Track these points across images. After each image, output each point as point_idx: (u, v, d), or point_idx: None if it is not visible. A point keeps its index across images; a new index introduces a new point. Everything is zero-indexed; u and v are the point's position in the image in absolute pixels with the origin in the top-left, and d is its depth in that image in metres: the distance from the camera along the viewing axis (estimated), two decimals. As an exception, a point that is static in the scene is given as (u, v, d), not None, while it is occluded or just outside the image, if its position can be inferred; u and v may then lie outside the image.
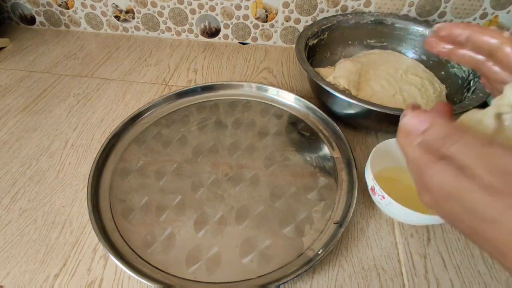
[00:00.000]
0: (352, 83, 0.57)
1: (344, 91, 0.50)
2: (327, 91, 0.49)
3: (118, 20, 0.82)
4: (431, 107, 0.48)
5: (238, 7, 0.74)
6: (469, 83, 0.55)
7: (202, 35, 0.81)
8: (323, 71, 0.58)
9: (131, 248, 0.41)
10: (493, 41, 0.25)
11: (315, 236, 0.42)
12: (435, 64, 0.62)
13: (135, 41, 0.82)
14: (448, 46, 0.28)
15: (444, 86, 0.60)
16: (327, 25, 0.64)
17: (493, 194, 0.18)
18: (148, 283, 0.37)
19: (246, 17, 0.76)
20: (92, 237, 0.43)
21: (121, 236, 0.43)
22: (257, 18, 0.76)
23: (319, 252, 0.40)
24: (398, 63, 0.63)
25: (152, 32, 0.83)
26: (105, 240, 0.41)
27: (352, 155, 0.49)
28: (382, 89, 0.57)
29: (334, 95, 0.49)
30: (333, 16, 0.65)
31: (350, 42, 0.68)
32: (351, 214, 0.43)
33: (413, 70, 0.61)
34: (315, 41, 0.63)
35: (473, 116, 0.23)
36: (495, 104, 0.23)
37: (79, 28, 0.86)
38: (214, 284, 0.38)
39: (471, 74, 0.55)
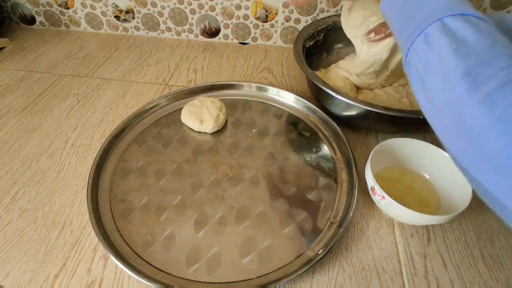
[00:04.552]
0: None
1: (342, 92, 0.50)
2: (326, 93, 0.49)
3: (118, 20, 0.82)
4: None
5: (238, 7, 0.74)
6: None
7: (202, 35, 0.81)
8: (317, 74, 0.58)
9: (131, 248, 0.41)
10: None
11: (315, 236, 0.42)
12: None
13: (135, 41, 0.82)
14: None
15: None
16: (323, 26, 0.64)
17: None
18: (148, 283, 0.37)
19: (246, 17, 0.76)
20: (92, 237, 0.43)
21: (121, 236, 0.43)
22: (257, 18, 0.76)
23: (319, 252, 0.40)
24: None
25: (152, 32, 0.83)
26: (105, 240, 0.41)
27: (352, 155, 0.49)
28: (386, 94, 0.57)
29: (333, 97, 0.48)
30: (328, 17, 0.65)
31: (345, 43, 0.68)
32: (351, 214, 0.43)
33: None
34: (311, 43, 0.63)
35: None
36: None
37: (79, 28, 0.86)
38: (214, 284, 0.38)
39: None
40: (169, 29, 0.82)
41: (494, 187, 0.22)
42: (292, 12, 0.73)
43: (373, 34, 0.49)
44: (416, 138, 0.46)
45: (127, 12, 0.80)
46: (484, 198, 0.24)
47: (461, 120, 0.22)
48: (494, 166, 0.21)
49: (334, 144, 0.53)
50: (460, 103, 0.22)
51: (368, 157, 0.44)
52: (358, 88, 0.59)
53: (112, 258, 0.39)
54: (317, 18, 0.73)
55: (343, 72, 0.58)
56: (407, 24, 0.27)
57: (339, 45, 0.68)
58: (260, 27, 0.78)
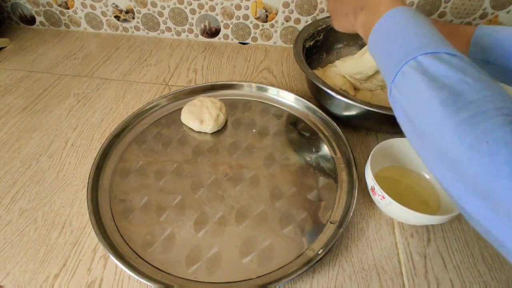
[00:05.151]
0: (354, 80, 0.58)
1: (342, 92, 0.50)
2: (326, 92, 0.49)
3: (118, 20, 0.82)
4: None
5: (238, 7, 0.74)
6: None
7: (202, 35, 0.81)
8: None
9: (131, 248, 0.41)
10: None
11: (315, 236, 0.42)
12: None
13: (135, 41, 0.82)
14: None
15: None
16: (323, 26, 0.64)
17: None
18: (148, 283, 0.37)
19: (246, 17, 0.76)
20: (92, 237, 0.43)
21: (121, 236, 0.43)
22: (257, 18, 0.76)
23: (319, 252, 0.40)
24: None
25: (152, 32, 0.83)
26: (105, 240, 0.41)
27: (352, 155, 0.49)
28: (385, 93, 0.57)
29: (333, 97, 0.48)
30: (328, 17, 0.65)
31: (345, 43, 0.68)
32: (351, 214, 0.43)
33: None
34: (311, 43, 0.63)
35: None
36: None
37: (79, 28, 0.86)
38: (214, 284, 0.38)
39: None
40: (169, 29, 0.82)
41: (477, 212, 0.23)
42: (292, 12, 0.73)
43: None
44: (416, 138, 0.46)
45: (127, 12, 0.80)
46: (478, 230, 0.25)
47: (441, 144, 0.24)
48: (474, 190, 0.22)
49: (334, 144, 0.53)
50: (439, 127, 0.24)
51: (368, 157, 0.44)
52: (356, 87, 0.59)
53: (112, 258, 0.39)
54: (317, 18, 0.73)
55: (339, 71, 0.58)
56: (388, 62, 0.30)
57: (339, 45, 0.68)
58: (260, 27, 0.78)
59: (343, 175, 0.49)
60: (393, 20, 0.32)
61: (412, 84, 0.27)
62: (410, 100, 0.27)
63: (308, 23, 0.74)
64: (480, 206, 0.22)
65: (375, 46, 0.33)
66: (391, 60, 0.29)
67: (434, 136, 0.25)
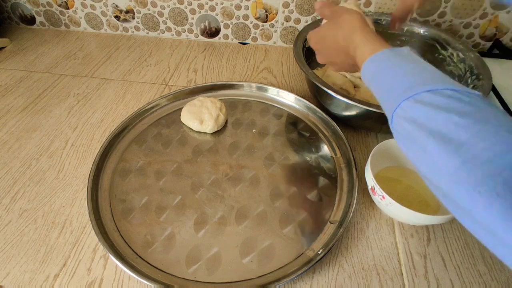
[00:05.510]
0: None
1: (342, 92, 0.50)
2: (326, 92, 0.49)
3: (118, 20, 0.82)
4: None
5: (238, 7, 0.74)
6: (466, 81, 0.55)
7: (202, 35, 0.81)
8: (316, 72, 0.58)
9: (131, 248, 0.41)
10: None
11: (315, 236, 0.42)
12: (431, 63, 0.62)
13: (135, 41, 0.82)
14: None
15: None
16: None
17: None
18: (148, 283, 0.37)
19: (246, 17, 0.76)
20: (92, 237, 0.43)
21: (121, 236, 0.43)
22: (257, 18, 0.76)
23: (319, 252, 0.40)
24: None
25: (152, 32, 0.83)
26: (105, 240, 0.41)
27: (352, 155, 0.49)
28: None
29: (333, 97, 0.48)
30: None
31: None
32: (351, 214, 0.43)
33: None
34: (311, 43, 0.63)
35: None
36: None
37: (79, 28, 0.86)
38: (214, 284, 0.38)
39: (468, 72, 0.55)
40: (169, 29, 0.82)
41: (495, 249, 0.22)
42: (292, 12, 0.73)
43: None
44: (416, 138, 0.46)
45: (127, 12, 0.80)
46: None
47: (441, 188, 0.24)
48: (482, 228, 0.22)
49: (334, 144, 0.53)
50: (435, 173, 0.24)
51: (368, 157, 0.44)
52: (356, 86, 0.59)
53: (112, 258, 0.39)
54: (317, 18, 0.73)
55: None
56: (384, 107, 0.31)
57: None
58: (260, 27, 0.78)
59: (343, 175, 0.49)
60: (373, 69, 0.33)
61: (403, 133, 0.27)
62: (405, 146, 0.28)
63: (308, 23, 0.74)
64: (493, 243, 0.22)
65: (371, 82, 0.34)
66: (385, 108, 0.31)
67: (433, 181, 0.25)
